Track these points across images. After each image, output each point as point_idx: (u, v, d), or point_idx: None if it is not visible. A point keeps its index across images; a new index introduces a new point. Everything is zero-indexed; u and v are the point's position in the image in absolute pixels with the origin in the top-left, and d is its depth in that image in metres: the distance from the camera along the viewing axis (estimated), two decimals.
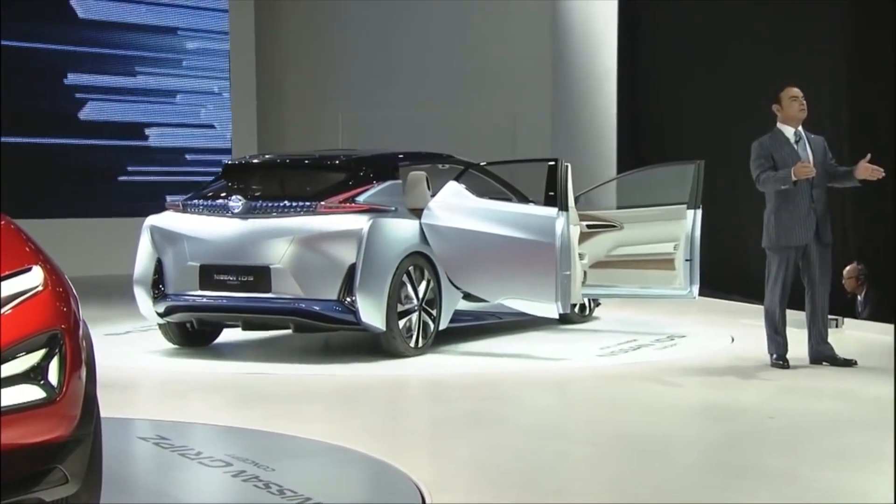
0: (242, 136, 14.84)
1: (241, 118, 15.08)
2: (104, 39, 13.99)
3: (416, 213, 7.49)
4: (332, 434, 5.07)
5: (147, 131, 14.37)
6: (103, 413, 3.35)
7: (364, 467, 4.60)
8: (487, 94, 14.26)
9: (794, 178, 6.64)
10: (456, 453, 4.85)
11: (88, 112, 13.86)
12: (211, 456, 4.66)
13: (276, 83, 15.61)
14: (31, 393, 3.01)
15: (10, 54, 13.15)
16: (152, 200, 7.86)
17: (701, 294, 8.26)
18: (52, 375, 3.05)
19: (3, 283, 3.10)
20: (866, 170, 6.70)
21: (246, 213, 7.17)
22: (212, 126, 14.96)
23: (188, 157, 14.68)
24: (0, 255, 3.18)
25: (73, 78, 13.76)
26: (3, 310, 3.05)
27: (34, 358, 3.03)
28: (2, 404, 2.96)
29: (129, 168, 14.21)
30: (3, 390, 2.97)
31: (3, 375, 2.97)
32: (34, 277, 3.17)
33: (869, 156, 6.74)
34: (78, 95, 13.80)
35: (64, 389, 3.06)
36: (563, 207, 7.31)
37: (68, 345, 3.11)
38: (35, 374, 3.02)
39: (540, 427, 5.41)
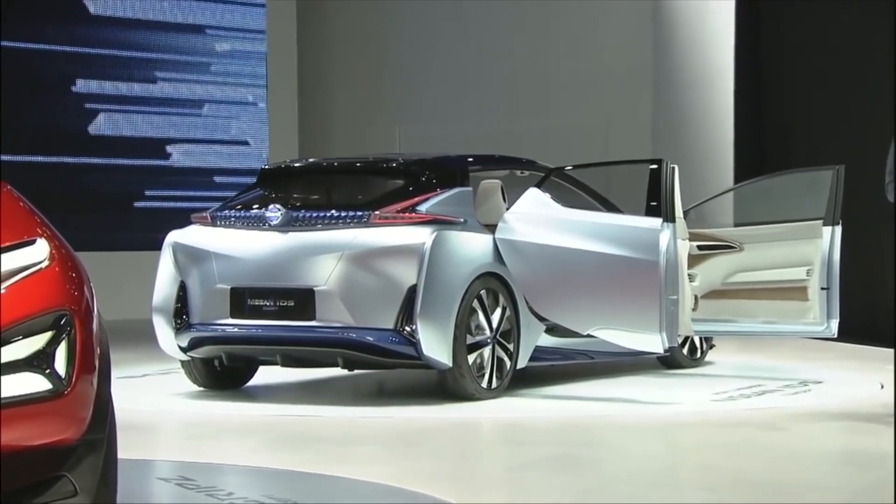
0: (281, 154, 14.94)
1: (279, 132, 15.28)
2: (119, 40, 14.25)
3: (490, 227, 7.52)
4: (391, 476, 5.09)
5: (169, 148, 14.60)
6: None
7: None
8: (574, 97, 14.26)
9: None
10: (540, 496, 4.83)
11: (100, 125, 14.13)
12: (245, 497, 4.70)
13: (322, 91, 15.81)
14: (34, 383, 3.06)
15: (7, 57, 13.35)
16: (174, 230, 7.93)
17: (839, 336, 8.11)
18: (59, 364, 3.11)
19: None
20: None
21: (286, 226, 7.25)
22: (245, 142, 15.18)
23: (217, 178, 14.86)
24: None
25: (81, 85, 14.04)
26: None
27: (38, 342, 3.08)
28: None
29: (148, 192, 14.43)
30: (2, 378, 3.02)
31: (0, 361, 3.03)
32: (38, 251, 3.24)
33: None
34: (88, 106, 14.07)
35: (73, 381, 3.11)
36: (669, 218, 7.28)
37: (78, 330, 3.16)
38: (39, 362, 3.08)
39: (641, 472, 5.40)
